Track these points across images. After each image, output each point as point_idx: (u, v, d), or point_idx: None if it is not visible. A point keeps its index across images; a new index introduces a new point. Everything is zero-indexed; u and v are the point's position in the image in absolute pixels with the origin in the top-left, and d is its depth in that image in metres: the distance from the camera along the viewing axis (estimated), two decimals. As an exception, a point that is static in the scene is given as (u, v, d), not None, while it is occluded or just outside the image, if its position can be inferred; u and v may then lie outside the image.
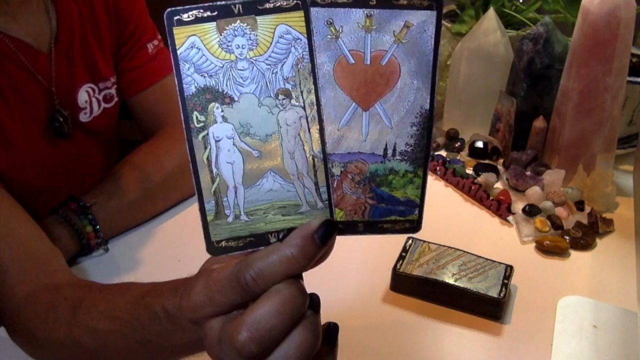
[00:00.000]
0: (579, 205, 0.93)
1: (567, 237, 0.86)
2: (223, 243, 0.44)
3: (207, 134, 0.43)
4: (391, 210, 0.45)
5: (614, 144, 0.99)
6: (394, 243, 0.81)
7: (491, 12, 1.05)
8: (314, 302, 0.43)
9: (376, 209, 0.45)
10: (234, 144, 0.43)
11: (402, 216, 0.45)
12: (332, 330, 0.46)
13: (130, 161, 0.90)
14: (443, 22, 1.17)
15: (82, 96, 0.86)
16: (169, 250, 0.85)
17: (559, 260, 0.85)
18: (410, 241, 0.81)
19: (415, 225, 0.46)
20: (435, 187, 1.00)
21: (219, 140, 0.43)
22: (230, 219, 0.44)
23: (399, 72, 0.42)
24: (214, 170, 0.43)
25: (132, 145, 0.94)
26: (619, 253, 0.86)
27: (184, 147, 1.06)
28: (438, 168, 1.02)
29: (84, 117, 0.87)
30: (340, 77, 0.42)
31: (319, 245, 0.42)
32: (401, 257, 0.78)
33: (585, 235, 0.87)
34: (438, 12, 0.41)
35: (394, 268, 0.77)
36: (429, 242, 0.81)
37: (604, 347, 0.70)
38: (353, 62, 0.42)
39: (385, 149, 0.43)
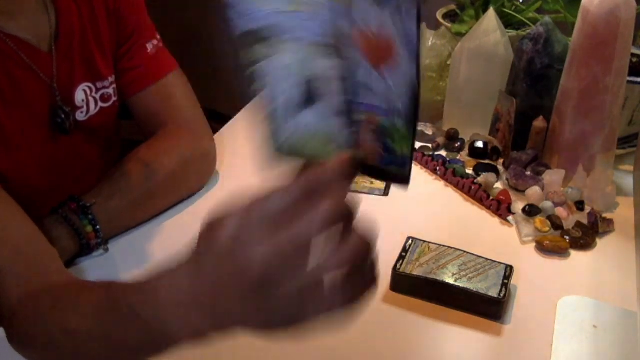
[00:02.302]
0: (579, 205, 0.93)
1: (567, 237, 0.86)
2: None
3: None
4: (393, 160, 0.48)
5: (614, 144, 0.99)
6: (394, 243, 0.81)
7: (491, 12, 1.05)
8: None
9: (383, 158, 0.48)
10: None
11: (400, 168, 0.49)
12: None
13: (130, 161, 0.90)
14: (443, 22, 1.17)
15: (79, 95, 0.86)
16: (169, 250, 0.85)
17: (559, 260, 0.85)
18: (410, 241, 0.81)
19: (407, 180, 0.49)
20: (435, 187, 1.00)
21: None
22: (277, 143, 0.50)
23: (396, 43, 0.45)
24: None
25: (132, 145, 0.94)
26: (619, 253, 0.86)
27: (183, 147, 1.06)
28: (438, 168, 1.02)
29: (80, 116, 0.87)
30: (358, 41, 0.46)
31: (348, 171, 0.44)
32: (401, 257, 0.78)
33: (585, 235, 0.87)
34: None
35: (394, 268, 0.77)
36: (429, 242, 0.81)
37: (604, 347, 0.70)
38: (364, 29, 0.45)
39: (390, 106, 0.47)
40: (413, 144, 0.48)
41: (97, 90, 0.89)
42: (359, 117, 0.48)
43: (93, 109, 0.89)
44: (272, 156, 0.51)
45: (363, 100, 0.47)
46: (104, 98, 0.90)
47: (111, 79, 0.91)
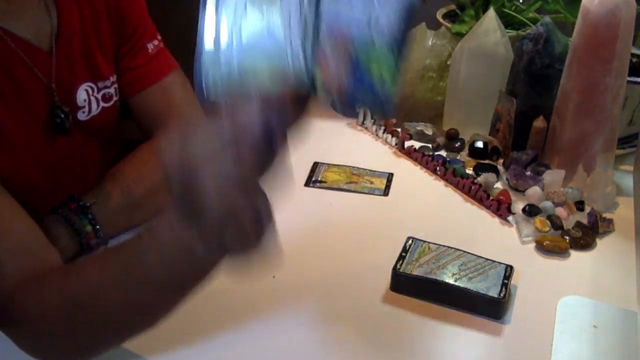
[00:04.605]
0: (579, 205, 0.93)
1: (567, 237, 0.86)
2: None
3: None
4: (365, 94, 0.43)
5: (614, 144, 0.99)
6: (394, 243, 0.81)
7: (491, 12, 1.05)
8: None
9: (353, 90, 0.43)
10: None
11: (375, 104, 0.44)
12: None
13: (131, 161, 0.90)
14: (443, 22, 1.17)
15: (81, 95, 0.86)
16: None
17: (559, 260, 0.85)
18: (410, 241, 0.81)
19: (387, 115, 0.46)
20: (435, 187, 1.00)
21: None
22: (223, 70, 0.44)
23: None
24: (218, 19, 0.44)
25: (132, 145, 0.94)
26: (619, 253, 0.86)
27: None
28: (438, 168, 1.02)
29: (81, 116, 0.87)
30: None
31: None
32: (401, 257, 0.78)
33: (585, 235, 0.87)
34: None
35: (394, 268, 0.77)
36: (429, 242, 0.81)
37: (604, 347, 0.70)
38: None
39: (369, 20, 0.42)
40: (398, 71, 0.42)
41: (99, 90, 0.89)
42: (327, 33, 0.42)
43: (95, 109, 0.89)
44: (221, 84, 0.45)
45: (332, 14, 0.41)
46: (105, 98, 0.90)
47: (112, 78, 0.91)
